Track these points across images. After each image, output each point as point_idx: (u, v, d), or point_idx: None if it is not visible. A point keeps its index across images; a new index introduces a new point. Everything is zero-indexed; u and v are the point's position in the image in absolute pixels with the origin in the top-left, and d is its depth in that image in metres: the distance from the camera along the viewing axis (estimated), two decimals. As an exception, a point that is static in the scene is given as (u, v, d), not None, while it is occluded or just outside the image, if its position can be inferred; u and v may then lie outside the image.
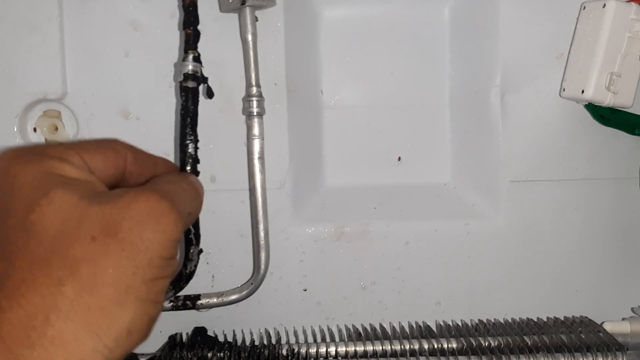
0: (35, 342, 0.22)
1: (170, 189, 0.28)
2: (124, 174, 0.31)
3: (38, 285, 0.23)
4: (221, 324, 0.42)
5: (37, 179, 0.25)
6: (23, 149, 0.26)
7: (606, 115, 0.40)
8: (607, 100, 0.39)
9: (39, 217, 0.24)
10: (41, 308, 0.22)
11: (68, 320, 0.23)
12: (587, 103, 0.40)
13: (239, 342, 0.40)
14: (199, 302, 0.40)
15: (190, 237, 0.36)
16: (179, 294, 0.39)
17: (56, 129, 0.41)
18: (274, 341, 0.40)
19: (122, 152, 0.30)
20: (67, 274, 0.23)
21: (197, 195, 0.30)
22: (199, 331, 0.41)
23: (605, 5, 0.38)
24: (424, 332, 0.41)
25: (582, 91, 0.39)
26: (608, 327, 0.41)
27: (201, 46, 0.36)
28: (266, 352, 0.39)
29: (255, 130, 0.39)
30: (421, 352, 0.39)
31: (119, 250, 0.24)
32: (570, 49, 0.41)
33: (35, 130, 0.41)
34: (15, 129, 0.40)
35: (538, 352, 0.38)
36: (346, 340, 0.41)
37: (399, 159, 0.45)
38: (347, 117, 0.44)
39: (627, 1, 0.38)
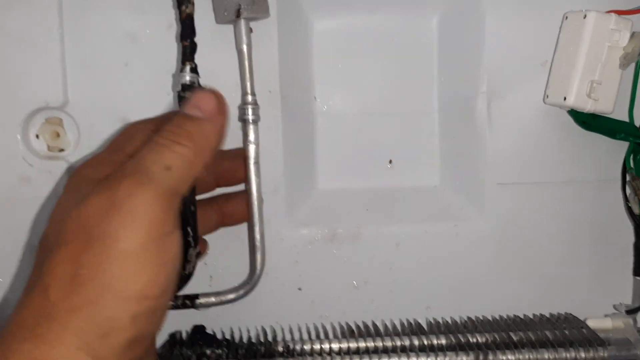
0: (26, 338, 0.24)
1: (133, 163, 0.27)
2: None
3: (33, 295, 0.25)
4: (219, 322, 0.43)
5: None
6: None
7: (588, 121, 0.42)
8: (588, 106, 0.40)
9: (44, 235, 0.27)
10: (32, 312, 0.25)
11: (52, 321, 0.24)
12: (569, 109, 0.42)
13: (237, 339, 0.41)
14: (198, 301, 0.41)
15: (189, 240, 0.37)
16: (178, 294, 0.40)
17: (58, 135, 0.42)
18: (270, 338, 0.41)
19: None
20: (50, 280, 0.25)
21: (175, 138, 0.28)
22: (198, 329, 0.42)
23: (586, 15, 0.39)
24: (414, 329, 0.43)
25: (564, 98, 0.40)
26: (591, 323, 0.42)
27: (198, 57, 0.37)
28: (262, 349, 0.40)
29: (251, 137, 0.40)
30: (411, 348, 0.40)
31: (88, 249, 0.25)
32: (553, 57, 0.42)
33: (37, 137, 0.42)
34: (19, 137, 0.41)
35: (523, 348, 0.39)
36: (339, 337, 0.42)
37: (390, 162, 0.46)
38: (339, 122, 0.46)
39: (606, 12, 0.40)
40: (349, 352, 0.40)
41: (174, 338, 0.41)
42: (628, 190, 0.43)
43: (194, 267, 0.38)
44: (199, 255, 0.38)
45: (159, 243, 0.26)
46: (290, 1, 0.43)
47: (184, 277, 0.38)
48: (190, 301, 0.41)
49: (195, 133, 0.28)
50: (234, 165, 0.40)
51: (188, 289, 0.39)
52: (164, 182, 0.27)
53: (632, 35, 0.40)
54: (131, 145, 0.30)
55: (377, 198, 0.46)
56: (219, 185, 0.41)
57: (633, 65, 0.41)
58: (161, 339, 0.42)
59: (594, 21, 0.39)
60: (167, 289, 0.27)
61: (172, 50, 0.41)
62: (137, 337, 0.26)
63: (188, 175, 0.28)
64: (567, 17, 0.41)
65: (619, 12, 0.40)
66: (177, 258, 0.27)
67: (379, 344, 0.40)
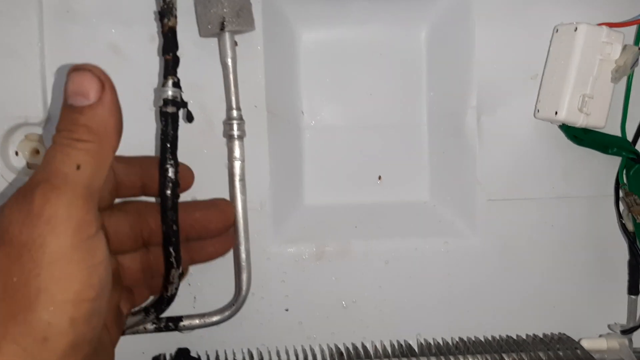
0: None
1: (42, 169, 0.26)
2: (118, 182, 0.35)
3: None
4: (204, 344, 0.42)
5: None
6: None
7: (579, 136, 0.41)
8: (579, 121, 0.39)
9: None
10: None
11: None
12: (560, 124, 0.41)
13: (222, 362, 0.40)
14: (182, 323, 0.40)
15: (171, 260, 0.36)
16: (161, 316, 0.39)
17: (37, 152, 0.41)
18: (256, 361, 0.40)
19: None
20: None
21: (75, 134, 0.27)
22: (182, 352, 0.41)
23: (577, 28, 0.39)
24: (404, 350, 0.42)
25: (556, 112, 0.39)
26: (585, 343, 0.42)
27: (181, 70, 0.36)
28: (248, 372, 0.39)
29: (236, 153, 0.39)
30: (402, 370, 0.39)
31: (17, 257, 0.25)
32: (543, 71, 0.41)
33: (17, 154, 0.41)
34: (-3, 153, 0.40)
35: (517, 369, 0.39)
36: (328, 359, 0.41)
37: (380, 177, 0.45)
38: (327, 137, 0.45)
39: (598, 24, 0.39)
40: (337, 374, 0.39)
41: (157, 361, 0.40)
42: (621, 207, 0.42)
43: (176, 289, 0.37)
44: (181, 276, 0.37)
45: (86, 245, 0.26)
46: (277, 14, 0.42)
47: (167, 299, 0.37)
48: (173, 324, 0.40)
49: (90, 123, 0.27)
50: (206, 216, 0.38)
51: (171, 310, 0.38)
52: (79, 181, 0.26)
53: (624, 48, 0.39)
54: None
55: (366, 214, 0.45)
56: (189, 238, 0.38)
57: (625, 78, 0.41)
58: (144, 362, 0.41)
59: (585, 34, 0.39)
60: (101, 291, 0.27)
61: (154, 63, 0.40)
62: (77, 342, 0.26)
63: (100, 169, 0.27)
64: (557, 30, 0.40)
65: (610, 25, 0.39)
66: (107, 259, 0.27)
67: (369, 366, 0.39)
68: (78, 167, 0.26)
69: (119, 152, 0.31)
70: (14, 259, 0.25)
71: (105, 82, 0.28)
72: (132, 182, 0.36)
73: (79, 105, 0.27)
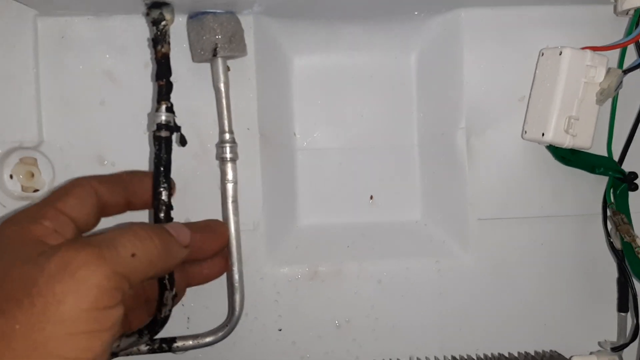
0: None
1: (104, 237, 0.29)
2: (102, 204, 0.34)
3: None
4: (197, 365, 0.42)
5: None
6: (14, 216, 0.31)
7: (566, 156, 0.42)
8: (566, 142, 0.40)
9: None
10: None
11: None
12: (548, 145, 0.42)
13: (215, 383, 0.40)
14: (175, 344, 0.40)
15: (165, 282, 0.37)
16: (155, 337, 0.39)
17: (32, 175, 0.41)
18: (250, 382, 0.40)
19: (85, 183, 0.34)
20: None
21: (151, 236, 0.30)
22: (176, 373, 0.41)
23: (561, 52, 0.40)
24: (397, 369, 0.42)
25: (543, 134, 0.40)
26: (576, 361, 0.42)
27: (175, 95, 0.37)
28: (242, 393, 0.39)
29: (229, 175, 0.40)
30: (395, 389, 0.39)
31: (29, 306, 0.26)
32: (530, 93, 0.42)
33: (11, 177, 0.41)
34: (-8, 176, 0.41)
35: (508, 387, 0.39)
36: (321, 379, 0.41)
37: (371, 198, 0.46)
38: (319, 158, 0.45)
39: (582, 48, 0.40)
40: (330, 394, 0.39)
41: (150, 383, 0.40)
42: (609, 225, 0.43)
43: (170, 311, 0.37)
44: (175, 297, 0.37)
45: (101, 313, 0.27)
46: (269, 39, 0.43)
47: (160, 321, 0.38)
48: (167, 345, 0.40)
49: (169, 242, 0.32)
50: (200, 237, 0.38)
51: (165, 331, 0.38)
52: (126, 265, 0.28)
53: (608, 71, 0.40)
54: (80, 210, 0.32)
55: (359, 234, 0.45)
56: (184, 260, 0.36)
57: (610, 100, 0.41)
58: (138, 383, 0.41)
59: (570, 58, 0.39)
60: (101, 354, 0.27)
61: (148, 88, 0.41)
62: None
63: (144, 270, 0.30)
64: (543, 54, 0.41)
65: (594, 49, 0.40)
66: (116, 328, 0.28)
67: (362, 385, 0.40)
68: (133, 255, 0.29)
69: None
70: (27, 308, 0.26)
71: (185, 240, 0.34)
72: (116, 201, 0.36)
73: (192, 250, 0.34)
